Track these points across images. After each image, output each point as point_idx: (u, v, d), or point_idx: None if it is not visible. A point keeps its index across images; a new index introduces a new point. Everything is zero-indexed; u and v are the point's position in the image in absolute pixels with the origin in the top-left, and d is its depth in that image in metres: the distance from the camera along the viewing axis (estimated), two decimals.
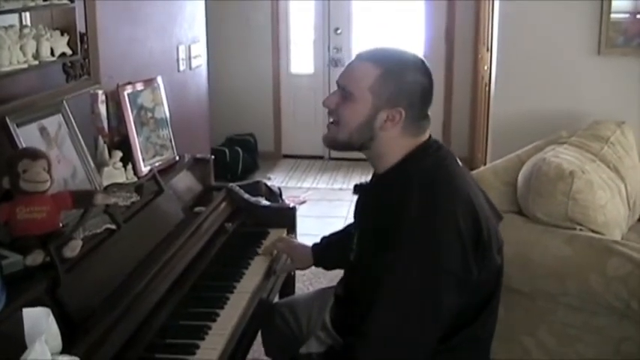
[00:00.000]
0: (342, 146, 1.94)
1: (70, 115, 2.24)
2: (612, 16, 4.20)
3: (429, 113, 1.91)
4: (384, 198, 1.88)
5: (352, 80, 1.86)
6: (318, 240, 2.51)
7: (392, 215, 1.78)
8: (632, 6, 4.22)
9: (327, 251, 2.43)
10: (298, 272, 3.10)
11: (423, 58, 1.90)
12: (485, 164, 4.57)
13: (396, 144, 1.87)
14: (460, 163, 1.94)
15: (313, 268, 2.52)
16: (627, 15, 4.21)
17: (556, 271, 2.76)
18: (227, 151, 6.61)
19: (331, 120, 1.92)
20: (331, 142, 1.95)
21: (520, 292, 2.86)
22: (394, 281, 1.73)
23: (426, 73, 1.87)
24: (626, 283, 2.61)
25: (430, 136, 1.93)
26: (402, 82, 1.83)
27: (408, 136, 1.87)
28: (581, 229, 2.85)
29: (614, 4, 4.19)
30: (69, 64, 2.44)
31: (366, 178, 6.35)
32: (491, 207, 1.99)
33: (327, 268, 2.55)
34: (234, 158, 6.65)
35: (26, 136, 1.99)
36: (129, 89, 2.65)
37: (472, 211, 1.76)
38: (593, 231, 2.87)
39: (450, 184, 1.82)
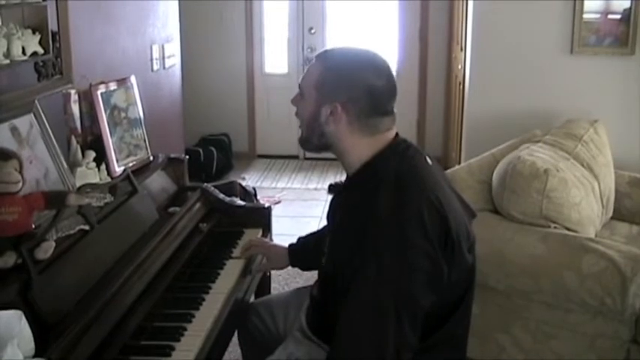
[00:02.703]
0: (304, 143, 1.99)
1: (42, 115, 2.22)
2: (585, 15, 4.24)
3: (395, 112, 1.91)
4: (353, 200, 1.89)
5: (303, 79, 1.94)
6: (293, 240, 2.51)
7: (360, 217, 1.78)
8: (603, 6, 4.27)
9: (303, 252, 2.43)
10: (274, 272, 3.09)
11: (382, 58, 1.91)
12: (459, 163, 4.59)
13: (351, 141, 1.89)
14: (430, 161, 1.94)
15: (289, 268, 2.51)
16: (599, 15, 4.25)
17: (531, 269, 2.78)
18: (201, 151, 6.58)
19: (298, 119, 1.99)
20: (301, 142, 2.00)
21: (495, 289, 2.87)
22: (367, 284, 1.72)
23: (378, 71, 1.87)
24: (600, 280, 2.63)
25: (397, 135, 1.93)
26: (342, 77, 1.86)
27: (359, 133, 1.88)
28: (555, 227, 2.88)
29: (586, 4, 4.23)
30: (41, 64, 2.41)
31: (340, 177, 6.35)
32: (464, 205, 1.99)
33: (303, 268, 2.55)
34: (209, 158, 6.62)
35: None
36: (102, 89, 2.62)
37: (439, 210, 1.76)
38: (567, 229, 2.89)
39: (417, 183, 1.81)
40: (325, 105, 1.86)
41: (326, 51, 1.96)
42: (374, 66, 1.88)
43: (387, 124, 1.90)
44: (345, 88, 1.85)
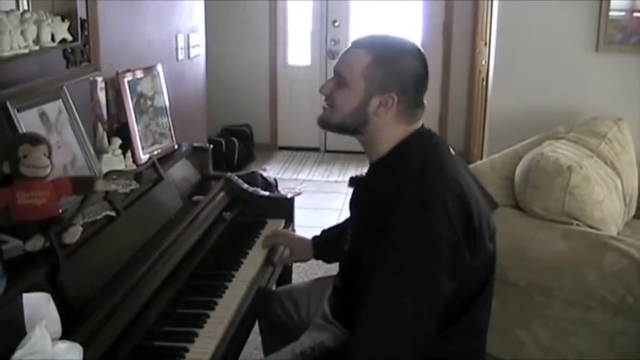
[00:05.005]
0: (335, 128, 1.95)
1: (71, 101, 2.24)
2: (611, 13, 4.21)
3: (425, 102, 1.92)
4: (377, 188, 1.90)
5: (346, 66, 1.89)
6: (314, 232, 2.52)
7: (384, 205, 1.79)
8: (629, 4, 4.23)
9: (327, 244, 2.44)
10: (295, 263, 3.09)
11: (419, 46, 1.91)
12: (481, 159, 4.59)
13: (389, 130, 1.89)
14: (453, 151, 1.95)
15: None
16: (625, 12, 4.22)
17: (552, 266, 2.77)
18: (223, 141, 6.59)
19: (327, 104, 1.95)
20: (325, 124, 1.97)
21: (516, 285, 2.87)
22: (389, 271, 1.74)
23: (421, 59, 1.88)
24: (622, 278, 2.63)
25: (423, 125, 1.94)
26: (394, 67, 1.84)
27: (402, 122, 1.88)
28: (577, 224, 2.87)
29: (612, 1, 4.19)
30: (69, 50, 2.43)
31: (361, 170, 6.35)
32: (486, 195, 2.00)
33: (327, 261, 2.56)
34: (230, 149, 6.64)
35: (26, 121, 1.99)
36: (129, 77, 2.65)
37: (462, 197, 1.77)
38: (589, 226, 2.88)
39: (440, 171, 1.82)
40: (376, 96, 1.84)
41: (367, 38, 1.92)
42: (416, 54, 1.88)
43: (422, 112, 1.92)
44: (399, 78, 1.84)
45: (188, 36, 3.95)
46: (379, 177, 1.92)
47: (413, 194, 1.75)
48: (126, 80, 2.62)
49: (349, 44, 1.93)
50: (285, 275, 2.83)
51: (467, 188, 1.82)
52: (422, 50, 1.90)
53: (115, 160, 2.43)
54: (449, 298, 1.78)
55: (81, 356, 1.50)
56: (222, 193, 2.73)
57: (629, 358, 2.73)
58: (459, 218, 1.74)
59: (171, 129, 2.83)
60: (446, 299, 1.77)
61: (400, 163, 1.85)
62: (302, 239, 2.55)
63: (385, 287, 1.74)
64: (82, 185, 1.90)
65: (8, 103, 1.95)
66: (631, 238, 2.97)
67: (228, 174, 2.87)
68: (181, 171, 2.72)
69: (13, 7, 2.19)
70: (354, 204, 2.08)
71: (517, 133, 3.72)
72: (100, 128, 2.50)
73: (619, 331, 2.73)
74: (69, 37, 2.40)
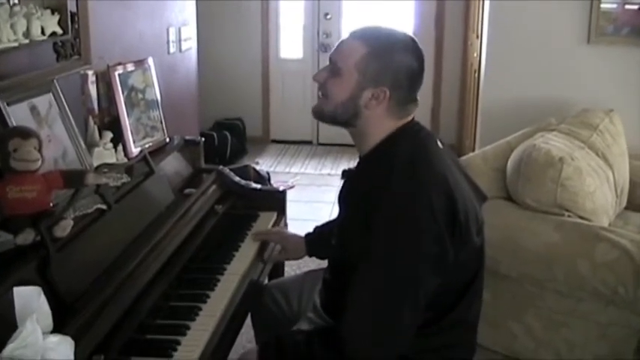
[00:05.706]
0: (328, 119, 1.95)
1: (61, 95, 2.23)
2: (602, 5, 4.22)
3: (418, 98, 1.92)
4: (365, 181, 1.91)
5: (341, 56, 1.88)
6: (306, 225, 2.51)
7: (371, 198, 1.79)
8: None
9: (320, 241, 2.43)
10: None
11: (416, 41, 1.90)
12: (473, 151, 4.59)
13: (380, 124, 1.89)
14: (441, 145, 1.95)
15: None
16: (616, 4, 4.23)
17: (544, 257, 2.78)
18: (215, 135, 6.58)
19: (320, 93, 1.94)
20: (318, 114, 1.96)
21: (508, 277, 2.88)
22: (373, 266, 1.75)
23: (417, 56, 1.87)
24: (613, 269, 2.64)
25: (413, 118, 1.94)
26: (388, 62, 1.84)
27: (393, 117, 1.88)
28: (569, 216, 2.88)
29: None
30: (59, 44, 2.42)
31: (354, 163, 6.33)
32: (475, 187, 2.00)
33: (321, 257, 2.55)
34: (223, 142, 6.63)
35: (17, 114, 1.98)
36: (120, 70, 2.64)
37: (447, 192, 1.77)
38: (581, 217, 2.89)
39: (427, 166, 1.83)
40: (368, 88, 1.84)
41: (366, 29, 1.91)
42: (412, 49, 1.87)
43: (414, 108, 1.92)
44: (392, 73, 1.83)
45: (179, 29, 3.94)
46: (367, 171, 1.93)
47: (400, 189, 1.76)
48: (117, 73, 2.61)
49: (347, 34, 1.92)
50: (278, 268, 2.83)
51: (454, 183, 1.82)
52: (420, 47, 1.89)
53: (106, 154, 2.43)
54: (437, 293, 1.79)
55: (72, 350, 1.49)
56: (213, 186, 2.72)
57: (621, 348, 2.74)
58: (443, 213, 1.74)
59: (163, 122, 2.82)
60: (434, 293, 1.78)
61: (388, 157, 1.85)
62: (295, 237, 2.54)
63: (371, 283, 1.76)
64: (73, 179, 1.89)
65: None
66: (622, 229, 2.99)
67: (220, 167, 2.86)
68: (173, 164, 2.71)
69: (3, 0, 2.18)
70: (342, 198, 2.08)
71: (509, 125, 3.73)
72: (91, 122, 2.49)
73: (611, 321, 2.75)
74: (59, 31, 2.39)
